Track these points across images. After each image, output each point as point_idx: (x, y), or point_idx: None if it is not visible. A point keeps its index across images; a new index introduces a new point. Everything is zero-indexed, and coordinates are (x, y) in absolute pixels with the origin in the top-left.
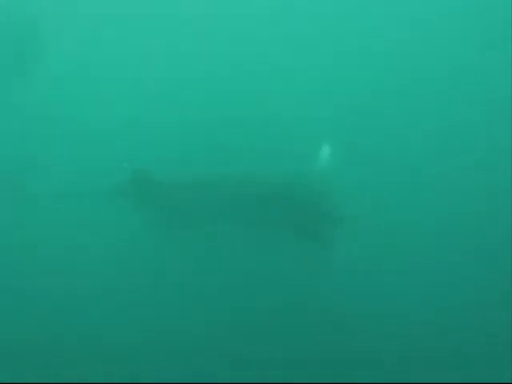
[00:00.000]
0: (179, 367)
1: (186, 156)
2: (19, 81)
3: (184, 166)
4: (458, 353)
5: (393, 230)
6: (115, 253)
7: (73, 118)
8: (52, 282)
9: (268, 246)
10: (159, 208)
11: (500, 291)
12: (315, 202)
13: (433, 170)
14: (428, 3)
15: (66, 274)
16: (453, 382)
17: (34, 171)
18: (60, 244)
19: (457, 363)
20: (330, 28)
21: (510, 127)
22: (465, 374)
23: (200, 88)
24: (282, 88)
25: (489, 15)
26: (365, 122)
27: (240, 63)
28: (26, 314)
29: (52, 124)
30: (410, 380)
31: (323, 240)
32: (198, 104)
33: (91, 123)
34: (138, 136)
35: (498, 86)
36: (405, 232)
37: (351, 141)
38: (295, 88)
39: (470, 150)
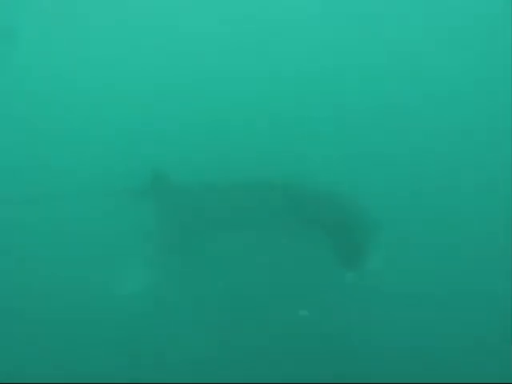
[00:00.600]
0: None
1: (202, 158)
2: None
3: (200, 168)
4: (457, 352)
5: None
6: (126, 253)
7: (91, 118)
8: (61, 281)
9: (282, 253)
10: (174, 210)
11: (500, 291)
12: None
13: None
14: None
15: (78, 272)
16: (453, 382)
17: (47, 170)
18: (71, 242)
19: (457, 363)
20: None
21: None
22: (465, 374)
23: (216, 90)
24: (298, 91)
25: (490, 18)
26: (369, 124)
27: (258, 65)
28: (31, 312)
29: (69, 123)
30: (409, 380)
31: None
32: (217, 105)
33: (108, 123)
34: (154, 137)
35: (499, 87)
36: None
37: (362, 143)
38: (309, 90)
39: (469, 153)
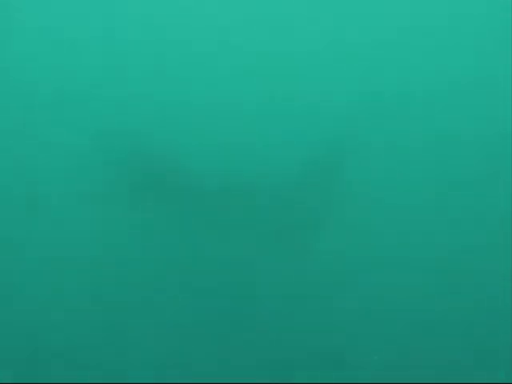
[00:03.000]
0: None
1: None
2: None
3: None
4: (457, 352)
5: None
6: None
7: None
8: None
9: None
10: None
11: (500, 289)
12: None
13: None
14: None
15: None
16: (453, 382)
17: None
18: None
19: (456, 363)
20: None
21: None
22: (465, 374)
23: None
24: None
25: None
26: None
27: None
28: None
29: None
30: (408, 380)
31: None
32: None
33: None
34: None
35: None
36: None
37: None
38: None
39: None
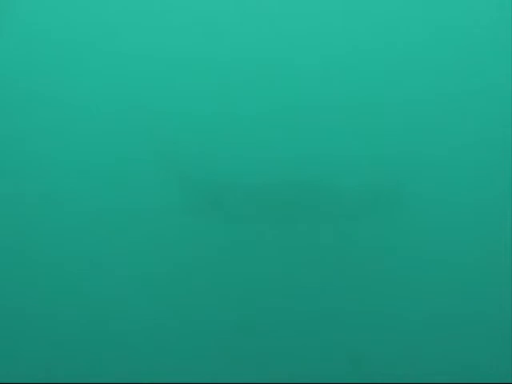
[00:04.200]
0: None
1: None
2: None
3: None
4: (457, 352)
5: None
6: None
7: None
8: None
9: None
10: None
11: (501, 290)
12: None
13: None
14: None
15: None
16: (453, 382)
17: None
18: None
19: (456, 363)
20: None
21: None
22: (465, 374)
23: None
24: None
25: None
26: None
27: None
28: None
29: None
30: (409, 380)
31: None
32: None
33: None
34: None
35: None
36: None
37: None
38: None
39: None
